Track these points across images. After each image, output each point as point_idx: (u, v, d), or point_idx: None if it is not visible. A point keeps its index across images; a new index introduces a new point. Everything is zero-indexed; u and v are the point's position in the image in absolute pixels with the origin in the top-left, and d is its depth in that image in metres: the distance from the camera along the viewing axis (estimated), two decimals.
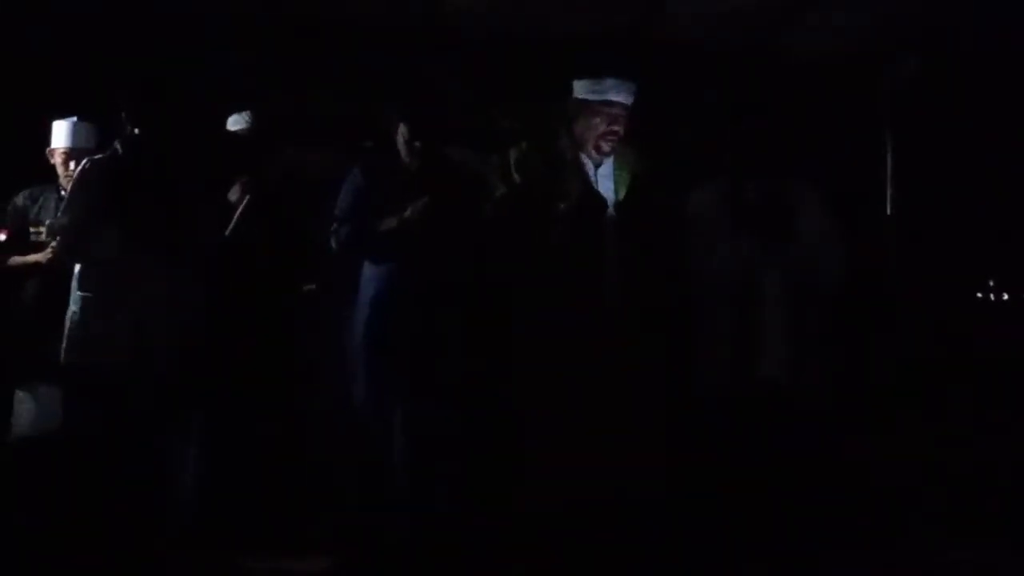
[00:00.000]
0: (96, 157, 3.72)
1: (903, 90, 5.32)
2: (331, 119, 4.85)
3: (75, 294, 3.63)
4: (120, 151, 3.68)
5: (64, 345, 3.63)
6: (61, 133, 4.30)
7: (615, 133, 3.77)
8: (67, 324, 3.63)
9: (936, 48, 5.12)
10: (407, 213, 3.60)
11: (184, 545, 3.65)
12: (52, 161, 4.32)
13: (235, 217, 3.95)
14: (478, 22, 4.97)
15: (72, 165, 4.05)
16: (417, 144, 3.67)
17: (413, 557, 3.55)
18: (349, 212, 3.72)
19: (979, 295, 5.33)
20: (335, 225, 3.73)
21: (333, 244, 3.74)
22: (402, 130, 3.70)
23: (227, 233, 3.92)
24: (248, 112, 4.20)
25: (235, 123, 4.22)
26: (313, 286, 4.11)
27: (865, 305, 4.53)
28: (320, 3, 4.81)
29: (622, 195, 3.79)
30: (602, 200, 3.77)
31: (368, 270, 3.74)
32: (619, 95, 3.75)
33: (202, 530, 3.74)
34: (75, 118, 4.30)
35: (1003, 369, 4.76)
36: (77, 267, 3.66)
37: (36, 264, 4.14)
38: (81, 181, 3.64)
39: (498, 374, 3.72)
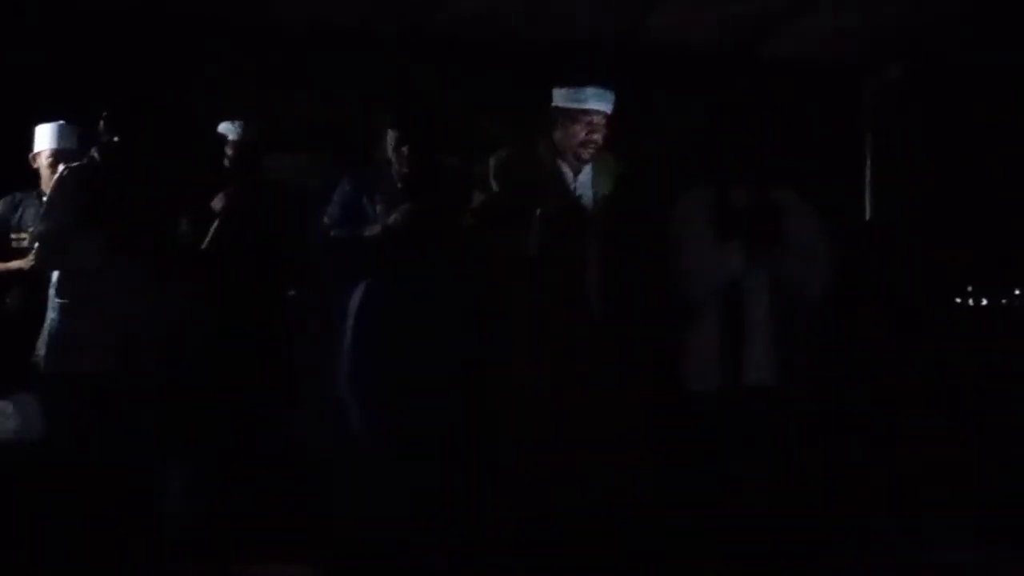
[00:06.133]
0: (73, 164, 3.71)
1: (885, 97, 5.36)
2: (319, 126, 4.86)
3: (53, 301, 3.61)
4: (98, 158, 3.66)
5: (43, 353, 3.61)
6: (47, 135, 4.28)
7: (594, 141, 3.76)
8: (45, 331, 3.61)
9: (917, 57, 5.16)
10: (392, 219, 3.61)
11: (171, 553, 3.64)
12: (35, 166, 4.30)
13: (213, 227, 3.94)
14: (467, 29, 4.97)
15: (59, 168, 4.02)
16: (406, 150, 3.67)
17: (402, 563, 3.55)
18: (338, 220, 3.73)
19: (957, 300, 5.37)
20: (324, 233, 3.73)
21: (322, 251, 3.74)
22: (391, 137, 3.70)
23: (206, 243, 3.91)
24: (239, 122, 4.17)
25: (224, 131, 4.19)
26: (294, 292, 4.11)
27: (844, 310, 4.55)
28: (308, 10, 4.81)
29: (601, 201, 3.79)
30: (581, 206, 3.76)
31: (355, 277, 3.73)
32: (599, 103, 3.75)
33: (188, 538, 3.74)
34: (61, 121, 4.28)
35: (982, 374, 4.80)
36: (55, 274, 3.63)
37: (18, 271, 4.13)
38: (59, 188, 3.63)
39: (483, 379, 3.71)
